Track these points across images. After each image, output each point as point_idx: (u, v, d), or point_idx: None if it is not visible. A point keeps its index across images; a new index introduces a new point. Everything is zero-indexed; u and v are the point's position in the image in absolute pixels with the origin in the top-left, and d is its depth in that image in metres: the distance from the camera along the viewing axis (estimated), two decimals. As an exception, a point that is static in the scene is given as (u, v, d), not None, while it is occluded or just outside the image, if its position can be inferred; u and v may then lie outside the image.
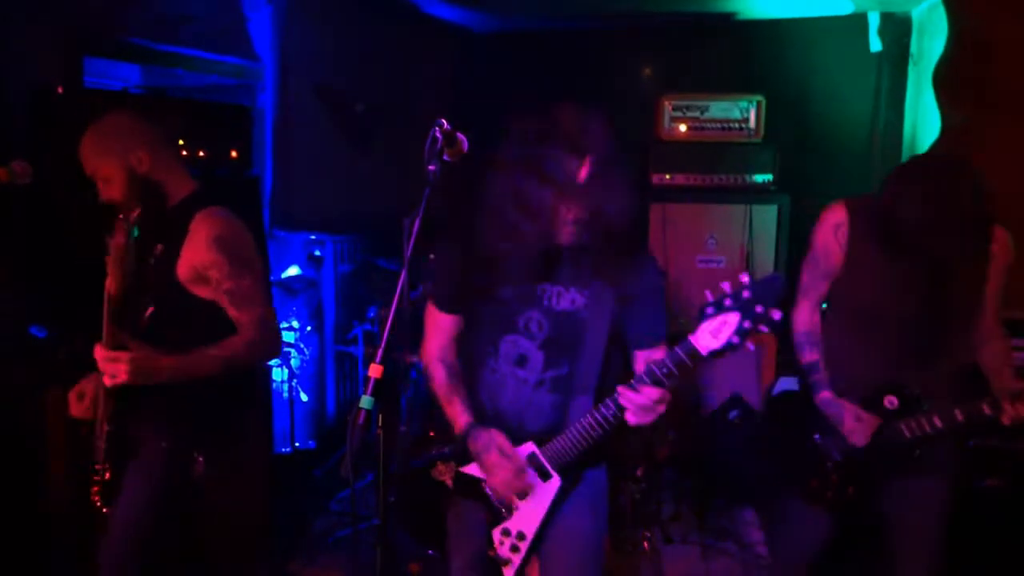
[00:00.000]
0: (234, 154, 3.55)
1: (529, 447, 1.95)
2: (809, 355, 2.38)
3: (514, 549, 1.97)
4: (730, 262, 4.57)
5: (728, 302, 1.57)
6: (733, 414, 4.43)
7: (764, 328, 1.60)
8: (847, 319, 2.39)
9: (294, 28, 4.27)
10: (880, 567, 2.43)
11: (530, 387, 1.98)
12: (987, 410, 2.17)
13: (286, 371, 3.99)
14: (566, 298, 1.94)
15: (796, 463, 2.44)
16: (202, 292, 2.15)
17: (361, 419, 1.53)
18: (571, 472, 1.95)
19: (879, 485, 2.33)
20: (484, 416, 2.00)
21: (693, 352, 1.62)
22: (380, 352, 1.53)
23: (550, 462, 1.94)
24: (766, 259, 4.54)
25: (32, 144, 2.95)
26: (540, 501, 1.96)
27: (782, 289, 1.56)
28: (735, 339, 1.57)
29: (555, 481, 1.94)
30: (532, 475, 1.94)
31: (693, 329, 1.61)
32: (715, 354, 1.59)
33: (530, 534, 1.95)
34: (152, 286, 2.16)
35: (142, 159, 2.16)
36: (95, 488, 2.14)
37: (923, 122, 4.40)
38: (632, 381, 1.72)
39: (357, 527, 3.62)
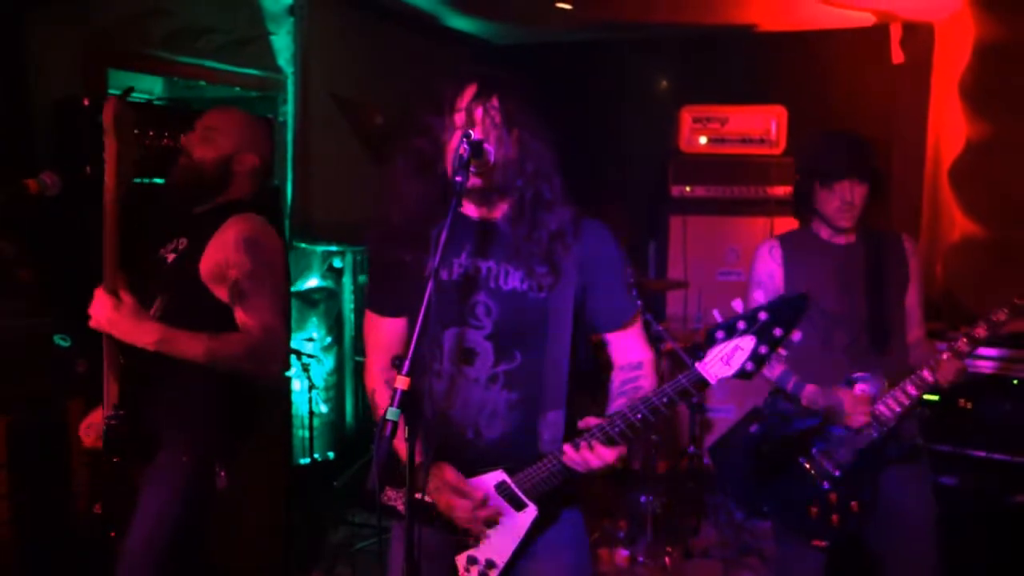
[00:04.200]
0: (256, 165, 3.56)
1: (499, 475, 1.68)
2: (775, 368, 2.40)
3: None
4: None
5: (741, 325, 1.45)
6: (754, 428, 4.37)
7: (784, 353, 1.52)
8: (806, 326, 2.43)
9: (315, 40, 4.30)
10: None
11: (481, 386, 1.69)
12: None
13: (305, 382, 3.99)
14: (514, 277, 1.69)
15: (784, 502, 2.42)
16: (220, 292, 2.09)
17: (387, 431, 1.50)
18: (549, 503, 1.69)
19: (876, 485, 2.33)
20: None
21: (700, 381, 1.49)
22: (407, 364, 1.51)
23: (524, 491, 1.67)
24: (787, 271, 4.49)
25: (57, 156, 2.98)
26: (514, 530, 1.69)
27: (805, 309, 1.44)
28: (749, 366, 1.44)
29: (531, 511, 1.68)
30: (503, 505, 1.69)
31: (702, 354, 1.48)
32: (723, 381, 1.48)
33: (501, 563, 1.70)
34: (168, 276, 2.11)
35: (247, 160, 2.21)
36: (97, 506, 2.04)
37: (946, 134, 4.36)
38: (636, 402, 1.55)
39: (380, 537, 3.59)
